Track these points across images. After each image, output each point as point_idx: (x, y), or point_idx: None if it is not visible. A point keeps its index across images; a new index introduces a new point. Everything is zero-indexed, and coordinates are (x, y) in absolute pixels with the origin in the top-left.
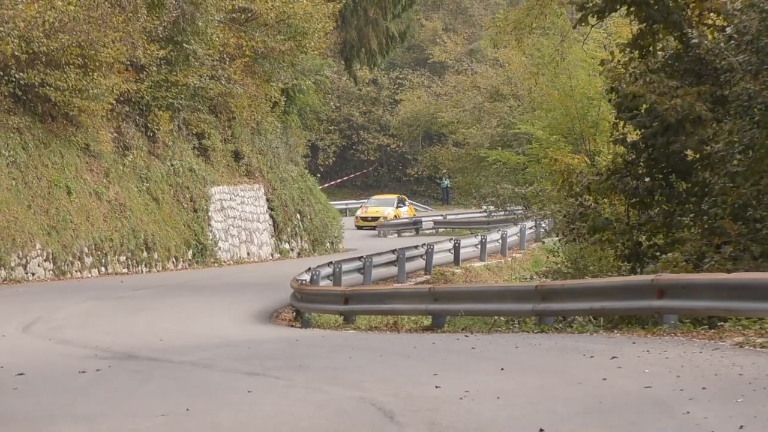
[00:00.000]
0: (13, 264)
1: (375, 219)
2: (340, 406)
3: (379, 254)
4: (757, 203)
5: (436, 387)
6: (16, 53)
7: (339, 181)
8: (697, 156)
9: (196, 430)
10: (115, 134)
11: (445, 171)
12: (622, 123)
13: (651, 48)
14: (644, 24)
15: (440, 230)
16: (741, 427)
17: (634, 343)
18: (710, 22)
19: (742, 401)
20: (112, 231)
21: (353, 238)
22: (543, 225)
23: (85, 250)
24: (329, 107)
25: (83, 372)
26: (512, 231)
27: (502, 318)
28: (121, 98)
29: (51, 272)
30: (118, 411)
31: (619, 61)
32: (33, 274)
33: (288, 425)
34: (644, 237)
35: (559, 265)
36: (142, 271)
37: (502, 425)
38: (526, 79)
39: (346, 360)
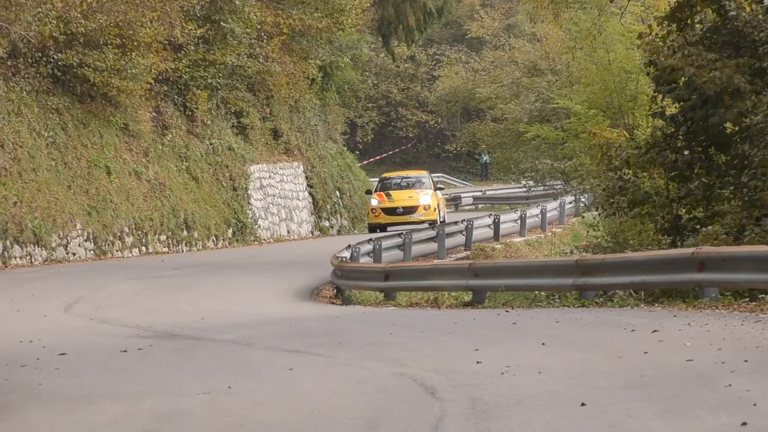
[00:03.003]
0: (54, 244)
1: (409, 211)
2: (381, 383)
3: (419, 230)
4: None
5: (478, 362)
6: (54, 34)
7: (378, 158)
8: (736, 128)
9: (237, 407)
10: (153, 114)
11: (483, 147)
12: (660, 96)
13: (689, 21)
14: None
15: (480, 206)
16: None
17: (675, 316)
18: None
19: None
20: (152, 210)
21: None
22: (582, 199)
23: (126, 229)
24: (367, 84)
25: (125, 351)
26: (552, 206)
27: (542, 293)
28: (160, 78)
29: (92, 252)
30: (160, 389)
31: (657, 34)
32: (74, 254)
33: (329, 402)
34: (684, 210)
35: (599, 240)
36: (182, 250)
37: (543, 400)
38: (563, 53)
39: (387, 336)
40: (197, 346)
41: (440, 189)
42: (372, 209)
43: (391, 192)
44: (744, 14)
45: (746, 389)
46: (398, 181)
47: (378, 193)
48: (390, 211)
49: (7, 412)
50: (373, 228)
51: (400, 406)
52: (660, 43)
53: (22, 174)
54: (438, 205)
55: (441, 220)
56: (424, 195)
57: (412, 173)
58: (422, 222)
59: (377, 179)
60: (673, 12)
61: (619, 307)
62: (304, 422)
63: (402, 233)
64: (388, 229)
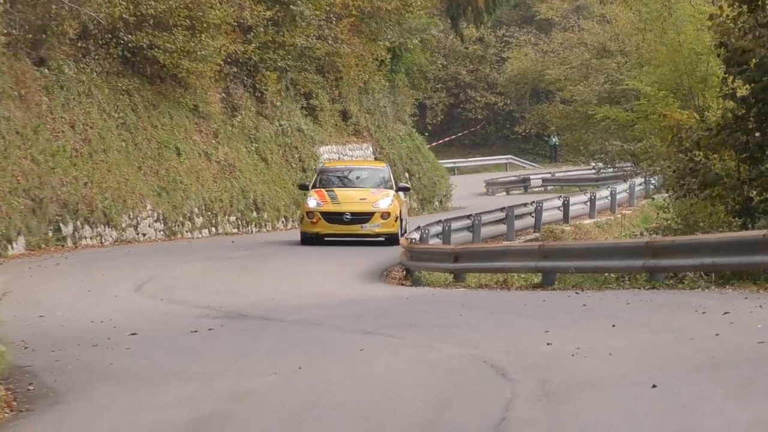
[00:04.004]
0: (124, 225)
1: (361, 219)
2: (452, 364)
3: (488, 212)
4: None
5: (548, 344)
6: (124, 16)
7: (447, 139)
8: None
9: (308, 388)
10: (223, 95)
11: (553, 128)
12: (731, 78)
13: (760, 2)
14: None
15: (549, 188)
16: None
17: (746, 298)
18: None
19: None
20: (221, 191)
21: (461, 197)
22: (652, 181)
23: (195, 210)
24: (436, 66)
25: (195, 331)
26: (621, 188)
27: (612, 275)
28: (229, 59)
29: (162, 233)
30: (231, 370)
31: (727, 15)
32: (144, 235)
33: (400, 383)
34: (755, 192)
35: (669, 222)
36: (252, 231)
37: (614, 382)
38: (633, 35)
39: (457, 318)
40: (267, 326)
41: (405, 189)
42: (308, 212)
43: (336, 190)
44: None
45: None
46: (346, 174)
47: (317, 190)
48: (333, 217)
49: (78, 392)
50: (307, 238)
51: (471, 388)
52: (731, 24)
53: (93, 155)
54: (400, 213)
55: (402, 232)
56: (384, 198)
57: (367, 165)
58: (377, 236)
59: (317, 171)
60: None
61: (689, 289)
62: (376, 403)
63: (471, 215)
64: (327, 240)
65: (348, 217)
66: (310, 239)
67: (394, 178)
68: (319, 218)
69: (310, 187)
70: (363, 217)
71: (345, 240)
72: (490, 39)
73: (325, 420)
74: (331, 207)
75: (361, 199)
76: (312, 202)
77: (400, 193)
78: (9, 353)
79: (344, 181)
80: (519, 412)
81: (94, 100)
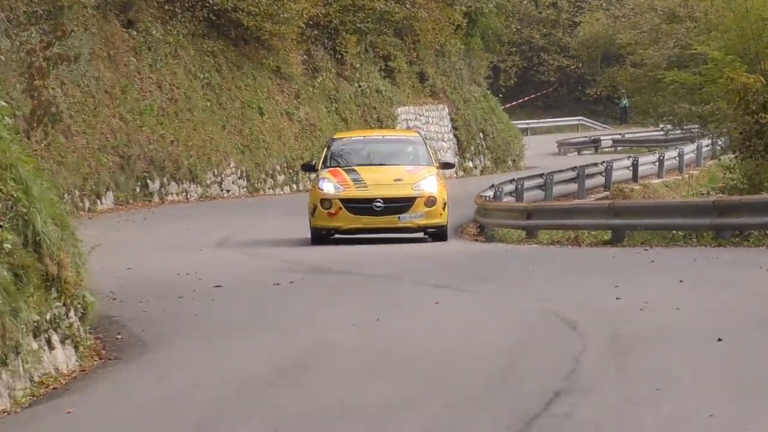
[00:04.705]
0: (208, 181)
1: (397, 208)
2: (524, 317)
3: (560, 171)
4: None
5: (617, 299)
6: None
7: (520, 101)
8: None
9: (385, 339)
10: (304, 57)
11: (623, 91)
12: None
13: None
14: None
15: (619, 148)
16: None
17: None
18: None
19: None
20: (302, 150)
21: (533, 157)
22: (719, 142)
23: (277, 168)
24: (511, 30)
25: (277, 284)
26: (689, 149)
27: (680, 232)
28: (310, 22)
29: (245, 189)
30: (310, 321)
31: None
32: (228, 191)
33: (474, 335)
34: None
35: (735, 182)
36: None
37: (681, 335)
38: (701, 1)
39: (530, 273)
40: (347, 279)
41: (449, 166)
42: (323, 200)
43: (358, 169)
44: None
45: None
46: (367, 147)
47: (332, 169)
48: (360, 206)
49: (165, 342)
50: (322, 235)
51: (543, 340)
52: None
53: (179, 114)
54: (446, 199)
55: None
56: (427, 177)
57: (393, 134)
58: (419, 229)
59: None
60: None
61: (755, 246)
62: (450, 354)
63: (543, 174)
64: (337, 235)
65: (380, 204)
66: (323, 236)
67: (432, 152)
68: (340, 208)
69: (319, 167)
70: (400, 205)
71: (370, 237)
72: (563, 4)
73: (400, 370)
74: (355, 192)
75: (396, 180)
76: (327, 185)
77: (441, 171)
78: (98, 304)
79: (366, 157)
80: (589, 364)
81: (180, 61)
